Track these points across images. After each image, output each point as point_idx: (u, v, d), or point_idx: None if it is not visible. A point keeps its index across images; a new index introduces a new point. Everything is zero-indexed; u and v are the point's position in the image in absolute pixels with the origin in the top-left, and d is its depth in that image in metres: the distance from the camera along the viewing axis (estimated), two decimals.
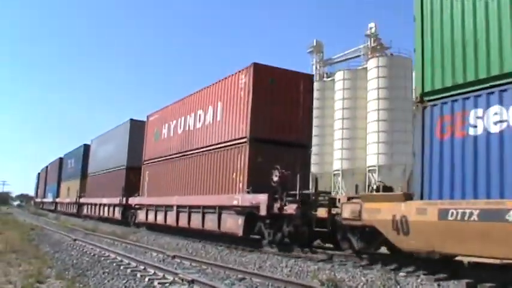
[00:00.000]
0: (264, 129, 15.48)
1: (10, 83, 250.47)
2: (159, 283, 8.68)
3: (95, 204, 31.38)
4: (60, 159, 50.14)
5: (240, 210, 14.94)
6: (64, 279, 8.89)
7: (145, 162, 23.63)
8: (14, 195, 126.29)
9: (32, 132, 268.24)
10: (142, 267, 10.67)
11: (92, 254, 13.43)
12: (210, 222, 16.58)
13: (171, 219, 19.47)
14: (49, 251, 14.16)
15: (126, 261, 11.73)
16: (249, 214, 14.61)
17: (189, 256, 12.90)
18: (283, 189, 13.53)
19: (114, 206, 27.15)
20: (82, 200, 35.72)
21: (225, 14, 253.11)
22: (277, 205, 13.32)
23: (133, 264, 11.21)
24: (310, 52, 50.39)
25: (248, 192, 14.62)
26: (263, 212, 13.64)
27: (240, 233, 14.84)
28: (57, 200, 48.02)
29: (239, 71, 16.30)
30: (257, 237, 15.35)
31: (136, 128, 26.62)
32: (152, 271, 10.05)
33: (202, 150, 17.88)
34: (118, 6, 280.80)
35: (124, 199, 25.33)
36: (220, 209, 15.95)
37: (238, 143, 15.59)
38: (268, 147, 15.34)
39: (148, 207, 21.99)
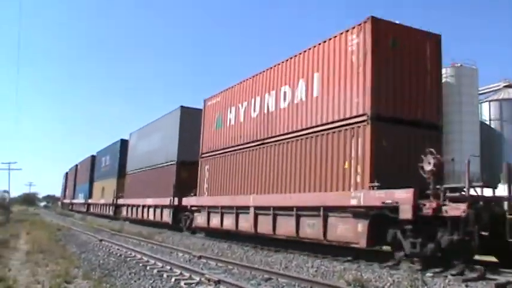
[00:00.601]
0: (387, 104, 11.86)
1: (37, 84, 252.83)
2: (185, 283, 8.69)
3: (137, 206, 28.06)
4: (93, 157, 47.30)
5: (361, 212, 11.21)
6: (91, 279, 8.97)
7: (203, 156, 20.12)
8: (40, 196, 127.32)
9: (57, 133, 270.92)
10: (168, 267, 10.67)
11: (118, 255, 13.47)
12: (310, 229, 12.90)
13: (245, 224, 15.88)
14: (76, 251, 14.27)
15: (152, 261, 11.77)
16: (376, 217, 10.91)
17: (215, 256, 12.84)
18: (436, 182, 9.83)
19: (163, 207, 23.75)
20: (120, 201, 32.52)
21: (247, 12, 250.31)
22: (431, 204, 9.56)
23: (160, 264, 11.23)
24: None
25: (373, 188, 10.92)
26: (406, 214, 9.88)
27: (363, 243, 11.09)
28: (90, 201, 45.10)
29: (347, 30, 12.63)
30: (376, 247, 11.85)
31: (188, 117, 23.19)
32: (178, 271, 10.04)
33: (291, 135, 14.23)
34: (147, 6, 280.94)
35: (176, 199, 21.91)
36: (327, 211, 12.27)
37: (353, 123, 11.92)
38: (393, 128, 11.70)
39: (210, 209, 18.44)
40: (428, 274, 9.21)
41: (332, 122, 12.67)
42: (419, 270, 9.55)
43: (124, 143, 34.93)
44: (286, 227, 13.84)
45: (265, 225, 14.82)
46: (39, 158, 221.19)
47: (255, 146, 16.10)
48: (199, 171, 20.12)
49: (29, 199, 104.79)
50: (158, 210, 24.35)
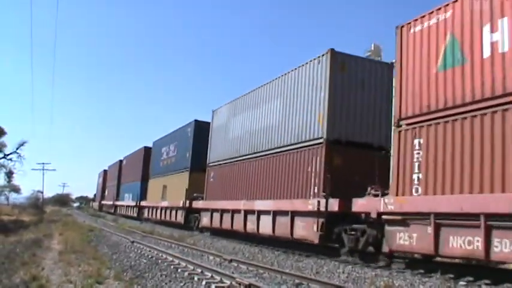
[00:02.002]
0: None
1: (72, 86, 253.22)
2: (216, 287, 8.85)
3: (234, 212, 19.70)
4: (146, 148, 39.51)
5: None
6: (122, 281, 9.25)
7: (407, 121, 11.47)
8: (73, 197, 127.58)
9: (91, 136, 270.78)
10: (199, 270, 10.78)
11: (150, 256, 13.58)
12: None
13: None
14: (107, 253, 14.59)
15: (183, 264, 11.87)
16: None
17: (245, 260, 12.78)
18: None
19: (294, 215, 15.24)
20: (198, 205, 24.25)
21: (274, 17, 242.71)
22: None
23: (191, 267, 11.30)
24: (368, 56, 38.29)
25: None
26: None
27: None
28: (144, 203, 36.97)
29: None
30: None
31: (342, 67, 14.83)
32: (209, 274, 10.13)
33: None
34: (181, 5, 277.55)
35: (333, 203, 13.47)
36: None
37: None
38: None
39: (442, 219, 9.86)
40: (462, 283, 9.17)
41: None
42: (452, 279, 9.49)
43: (200, 126, 26.80)
44: None
45: None
46: (73, 159, 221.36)
47: None
48: (397, 151, 11.47)
49: (62, 200, 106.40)
50: (284, 220, 15.82)
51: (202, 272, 10.56)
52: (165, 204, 30.56)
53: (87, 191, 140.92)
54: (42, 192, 78.82)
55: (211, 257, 13.86)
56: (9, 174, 53.92)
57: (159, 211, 32.17)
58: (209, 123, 25.47)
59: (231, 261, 12.61)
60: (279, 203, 16.20)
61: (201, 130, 26.40)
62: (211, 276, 9.98)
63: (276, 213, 16.41)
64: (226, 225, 20.59)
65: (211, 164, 23.77)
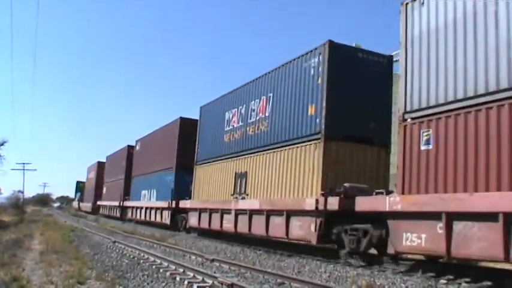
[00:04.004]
0: None
1: (53, 85, 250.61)
2: (198, 286, 8.90)
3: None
4: (183, 120, 26.32)
5: None
6: (104, 281, 9.25)
7: None
8: (54, 197, 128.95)
9: (72, 135, 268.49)
10: (181, 270, 10.83)
11: (132, 257, 13.63)
12: None
13: None
14: (89, 253, 14.56)
15: (165, 264, 11.93)
16: None
17: (227, 260, 12.82)
18: None
19: None
20: (384, 204, 10.23)
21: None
22: None
23: (173, 267, 11.37)
24: None
25: None
26: None
27: None
28: (187, 203, 23.10)
29: None
30: None
31: None
32: (191, 274, 10.18)
33: None
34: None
35: None
36: None
37: None
38: None
39: None
40: (442, 281, 9.19)
41: None
42: (433, 277, 9.55)
43: (339, 51, 13.79)
44: None
45: None
46: (54, 159, 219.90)
47: None
48: None
49: (42, 200, 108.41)
50: None
51: (184, 271, 10.58)
52: (251, 204, 16.60)
53: (68, 191, 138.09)
54: (22, 192, 79.45)
55: (193, 257, 13.85)
56: None
57: (231, 217, 17.83)
58: (352, 48, 15.03)
59: (212, 260, 12.70)
60: None
61: (342, 60, 13.71)
62: (194, 276, 10.01)
63: None
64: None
65: (429, 112, 9.76)
